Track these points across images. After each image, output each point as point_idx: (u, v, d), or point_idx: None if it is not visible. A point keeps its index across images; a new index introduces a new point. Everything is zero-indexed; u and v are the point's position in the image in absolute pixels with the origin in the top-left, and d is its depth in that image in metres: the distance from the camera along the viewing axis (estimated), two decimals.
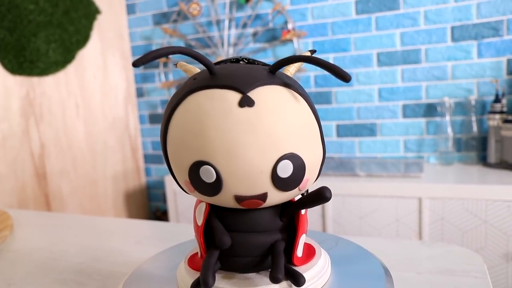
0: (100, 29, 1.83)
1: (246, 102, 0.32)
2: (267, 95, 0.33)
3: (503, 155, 1.40)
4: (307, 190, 0.38)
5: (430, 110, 1.57)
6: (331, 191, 0.35)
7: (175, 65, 0.41)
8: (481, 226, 1.22)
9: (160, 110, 2.03)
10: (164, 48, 0.31)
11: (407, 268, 0.55)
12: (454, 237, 1.26)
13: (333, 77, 1.68)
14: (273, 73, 0.35)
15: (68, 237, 0.80)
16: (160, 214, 2.08)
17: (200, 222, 0.36)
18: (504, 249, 1.21)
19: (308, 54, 0.39)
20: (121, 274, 0.60)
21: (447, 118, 1.51)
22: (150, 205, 2.16)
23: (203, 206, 0.37)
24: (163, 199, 2.10)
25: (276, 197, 0.34)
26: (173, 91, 1.96)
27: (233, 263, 0.36)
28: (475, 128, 1.49)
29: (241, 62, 0.38)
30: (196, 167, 0.33)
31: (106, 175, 1.87)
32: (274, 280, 0.33)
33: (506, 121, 1.37)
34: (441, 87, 1.54)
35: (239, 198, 0.34)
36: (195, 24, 1.85)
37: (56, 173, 1.63)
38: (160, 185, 2.10)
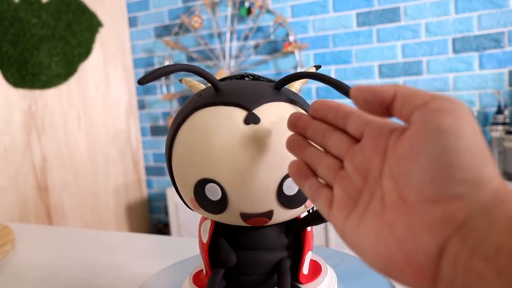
0: (102, 42, 1.84)
1: (251, 119, 0.32)
2: (272, 112, 0.33)
3: (506, 167, 1.39)
4: (313, 207, 0.38)
5: None
6: None
7: (180, 81, 0.41)
8: None
9: (162, 122, 2.03)
10: (169, 66, 0.31)
11: None
12: None
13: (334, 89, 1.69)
14: (279, 90, 0.35)
15: (71, 252, 0.79)
16: (161, 227, 2.07)
17: (205, 239, 0.36)
18: None
19: (313, 69, 0.39)
20: None
21: None
22: (151, 217, 2.15)
23: (208, 224, 0.36)
24: (165, 211, 2.09)
25: (282, 214, 0.34)
26: (175, 103, 1.96)
27: (238, 281, 0.36)
28: None
29: (246, 78, 0.38)
30: (201, 184, 0.33)
31: (107, 187, 1.86)
32: None
33: (508, 132, 1.37)
34: None
35: (245, 216, 0.33)
36: (197, 37, 1.87)
37: (57, 186, 1.62)
38: (162, 197, 2.09)
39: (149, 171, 2.11)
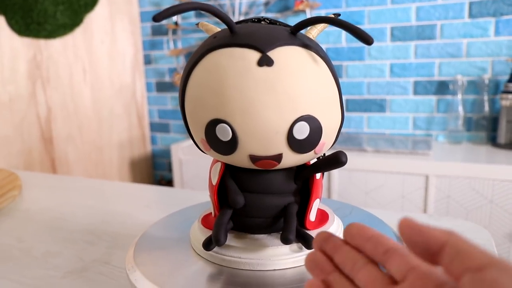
0: None
1: (265, 61, 0.32)
2: (286, 56, 0.32)
3: None
4: (324, 154, 0.38)
5: (442, 87, 1.55)
6: (347, 156, 0.34)
7: (197, 24, 0.40)
8: (487, 206, 1.22)
9: (168, 79, 2.01)
10: (185, 4, 0.30)
11: None
12: (459, 215, 1.26)
13: (344, 50, 1.65)
14: (294, 34, 0.34)
15: (76, 199, 0.80)
16: (165, 183, 2.10)
17: (214, 181, 0.36)
18: (508, 229, 1.21)
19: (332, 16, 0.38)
20: (130, 236, 0.61)
21: (459, 96, 1.49)
22: (155, 173, 2.17)
23: (218, 166, 0.37)
24: (168, 168, 2.11)
25: (291, 158, 0.34)
26: (181, 59, 1.94)
27: (245, 224, 0.36)
28: (486, 107, 1.47)
29: (262, 22, 0.37)
30: (212, 125, 0.33)
31: (111, 142, 1.87)
32: (285, 241, 0.33)
33: None
34: (455, 64, 1.51)
35: (254, 158, 0.33)
36: None
37: (62, 138, 1.63)
38: (166, 154, 2.11)
39: (154, 127, 2.11)
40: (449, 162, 1.26)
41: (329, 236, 0.25)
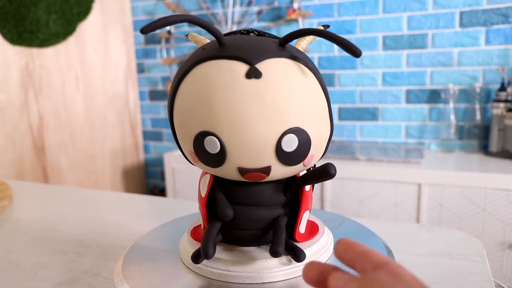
0: (102, 1, 1.79)
1: (253, 73, 0.32)
2: (275, 68, 0.32)
3: (505, 144, 1.40)
4: (315, 165, 0.38)
5: (434, 96, 1.56)
6: (336, 168, 0.34)
7: (186, 36, 0.41)
8: (479, 214, 1.23)
9: (161, 87, 2.01)
10: (173, 16, 0.30)
11: (407, 250, 0.55)
12: (451, 223, 1.26)
13: (337, 59, 1.66)
14: (283, 46, 0.34)
15: (67, 209, 0.80)
16: (157, 192, 2.09)
17: (203, 193, 0.36)
18: (500, 237, 1.21)
19: (321, 28, 0.38)
20: (121, 246, 0.60)
21: (451, 105, 1.50)
22: (148, 182, 2.16)
23: (207, 178, 0.36)
24: (161, 176, 2.10)
25: (279, 171, 0.34)
26: (174, 67, 1.94)
27: (234, 236, 0.36)
28: (478, 116, 1.48)
29: (251, 34, 0.38)
30: (201, 137, 0.32)
31: (104, 150, 1.86)
32: (274, 254, 0.33)
33: (510, 110, 1.36)
34: (446, 73, 1.53)
35: (242, 171, 0.33)
36: (199, 0, 1.82)
37: (54, 147, 1.62)
38: (159, 162, 2.10)
39: (147, 136, 2.10)
40: (442, 170, 1.27)
41: (317, 267, 0.26)
